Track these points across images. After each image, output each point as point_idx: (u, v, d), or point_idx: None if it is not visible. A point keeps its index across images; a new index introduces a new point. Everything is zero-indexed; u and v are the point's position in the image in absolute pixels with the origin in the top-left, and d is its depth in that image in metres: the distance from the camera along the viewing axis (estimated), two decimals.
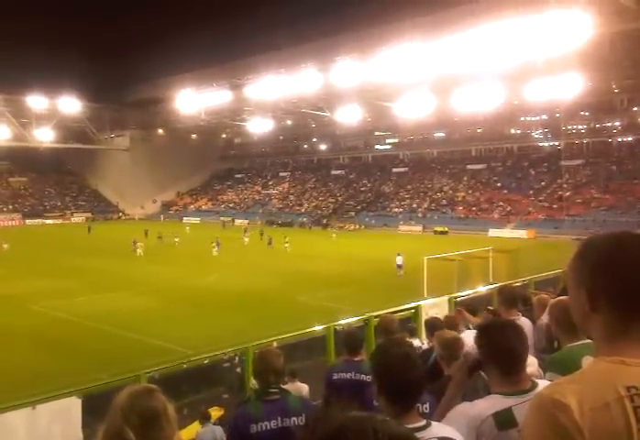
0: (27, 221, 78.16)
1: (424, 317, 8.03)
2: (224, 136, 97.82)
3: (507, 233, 52.27)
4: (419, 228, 59.64)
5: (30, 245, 47.63)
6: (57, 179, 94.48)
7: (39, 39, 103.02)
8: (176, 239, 42.61)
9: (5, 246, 42.32)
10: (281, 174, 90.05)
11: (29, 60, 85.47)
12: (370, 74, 49.99)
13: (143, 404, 1.80)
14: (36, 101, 76.51)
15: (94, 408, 5.11)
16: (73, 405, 5.74)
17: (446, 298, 10.11)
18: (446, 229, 55.93)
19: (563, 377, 1.34)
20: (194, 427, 6.49)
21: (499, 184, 65.38)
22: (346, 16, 56.70)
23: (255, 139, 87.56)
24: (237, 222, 72.88)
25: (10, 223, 75.97)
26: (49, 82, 75.56)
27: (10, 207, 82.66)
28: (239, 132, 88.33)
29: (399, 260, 29.05)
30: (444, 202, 65.61)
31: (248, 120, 73.71)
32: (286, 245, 40.44)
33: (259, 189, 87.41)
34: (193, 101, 69.00)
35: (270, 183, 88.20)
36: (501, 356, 2.43)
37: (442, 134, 77.58)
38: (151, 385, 1.94)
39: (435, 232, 56.16)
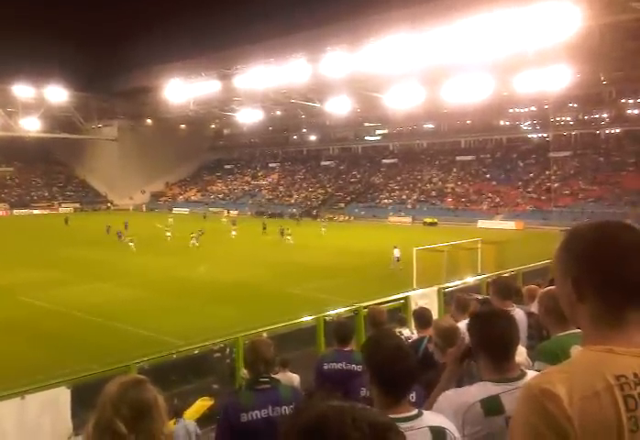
0: (14, 211, 77.44)
1: (413, 308, 8.07)
2: (213, 126, 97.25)
3: (496, 224, 52.61)
4: (408, 219, 59.83)
5: (17, 235, 47.24)
6: (44, 169, 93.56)
7: (25, 27, 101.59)
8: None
9: None
10: (270, 165, 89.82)
11: (15, 48, 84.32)
12: (360, 65, 49.85)
13: (133, 396, 1.78)
14: (22, 90, 75.56)
15: (84, 398, 5.11)
16: (62, 395, 5.73)
17: (435, 288, 10.17)
18: (436, 220, 56.18)
19: (552, 366, 1.35)
20: (184, 417, 6.51)
21: (488, 176, 65.66)
22: (335, 7, 56.34)
23: (244, 130, 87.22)
24: (226, 212, 72.65)
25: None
26: (36, 70, 74.58)
27: None
28: (229, 122, 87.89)
29: (396, 253, 28.50)
30: (433, 193, 65.84)
31: (237, 110, 73.31)
32: (288, 237, 40.29)
33: (249, 180, 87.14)
34: (181, 91, 68.49)
35: (260, 174, 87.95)
36: (491, 343, 2.45)
37: (431, 125, 77.65)
38: (140, 376, 1.94)
39: (425, 223, 56.37)
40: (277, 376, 6.69)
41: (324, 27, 52.95)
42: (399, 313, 8.85)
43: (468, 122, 73.34)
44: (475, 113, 66.78)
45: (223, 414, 3.72)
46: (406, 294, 9.50)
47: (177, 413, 6.72)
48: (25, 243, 41.53)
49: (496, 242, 27.62)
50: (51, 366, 13.57)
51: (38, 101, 78.46)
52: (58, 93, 78.08)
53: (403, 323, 7.46)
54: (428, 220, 56.75)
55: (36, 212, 78.22)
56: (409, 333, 6.76)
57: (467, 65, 44.69)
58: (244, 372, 4.53)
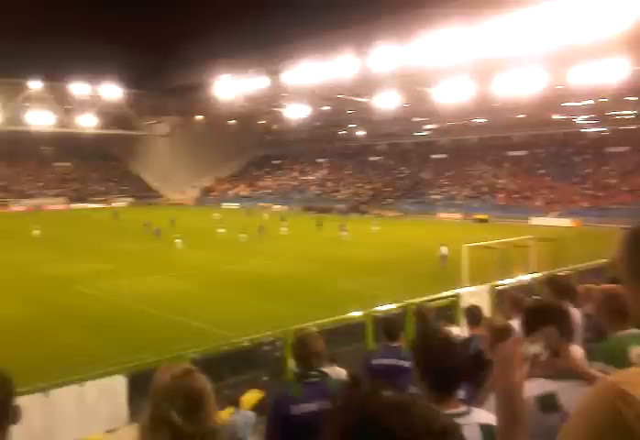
0: (72, 205, 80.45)
1: (463, 305, 7.96)
2: (261, 122, 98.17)
3: (550, 221, 51.06)
4: (459, 216, 58.87)
5: (76, 229, 49.07)
6: (100, 164, 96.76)
7: (82, 28, 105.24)
8: (221, 230, 42.38)
9: (37, 232, 41.79)
10: (318, 160, 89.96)
11: (72, 47, 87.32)
12: (409, 59, 49.29)
13: (187, 386, 1.79)
14: (79, 88, 78.33)
15: (139, 387, 5.29)
16: (119, 383, 5.94)
17: (486, 286, 9.99)
18: (487, 217, 55.04)
19: (608, 367, 1.27)
20: (227, 411, 6.62)
21: (541, 171, 63.80)
22: (384, 0, 55.88)
23: (292, 125, 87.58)
24: (275, 207, 73.39)
25: (56, 207, 78.30)
26: (92, 69, 77.19)
27: (56, 191, 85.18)
28: (277, 118, 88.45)
29: (443, 251, 27.84)
30: (484, 189, 64.51)
31: (285, 106, 73.80)
32: (344, 233, 39.92)
33: (297, 175, 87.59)
34: (231, 87, 69.51)
35: (308, 170, 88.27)
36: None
37: (482, 120, 76.00)
38: (190, 365, 1.94)
39: (475, 220, 55.31)
40: (325, 370, 6.73)
41: (372, 22, 52.56)
42: (448, 312, 8.76)
43: (520, 116, 71.37)
44: (528, 107, 64.95)
45: (273, 407, 3.75)
46: (456, 292, 9.38)
47: (235, 404, 6.85)
48: (82, 236, 43.14)
49: (551, 239, 26.83)
50: (107, 354, 14.07)
51: (94, 98, 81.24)
52: (113, 91, 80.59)
53: (452, 321, 7.38)
54: (479, 216, 55.67)
55: (92, 206, 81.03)
56: (458, 330, 6.69)
57: (520, 58, 43.52)
58: (293, 365, 4.58)
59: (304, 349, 3.73)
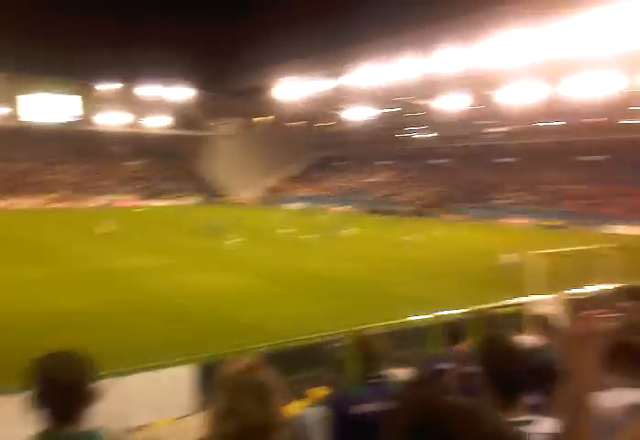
0: (142, 202, 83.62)
1: (531, 314, 7.74)
2: (323, 124, 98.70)
3: (628, 229, 48.51)
4: (525, 222, 57.09)
5: (144, 225, 50.93)
6: (169, 163, 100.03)
7: (154, 32, 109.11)
8: (284, 230, 42.25)
9: (106, 227, 42.60)
10: (380, 163, 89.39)
11: (145, 51, 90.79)
12: (476, 60, 48.32)
13: (256, 378, 1.84)
14: (150, 89, 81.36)
15: (207, 378, 5.45)
16: (189, 373, 6.15)
17: (555, 295, 9.66)
18: (557, 223, 53.08)
19: None
20: (298, 405, 6.71)
21: (618, 177, 60.85)
22: (450, 1, 54.97)
23: (354, 128, 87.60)
24: (337, 209, 73.52)
25: (126, 204, 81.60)
26: (163, 71, 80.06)
27: (127, 189, 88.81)
28: (339, 120, 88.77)
29: (508, 258, 26.77)
30: (553, 194, 62.24)
31: (347, 108, 73.94)
32: (407, 237, 38.91)
33: (358, 177, 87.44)
34: (294, 89, 70.36)
35: (370, 172, 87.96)
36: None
37: (553, 123, 73.34)
38: (257, 359, 1.97)
39: (545, 226, 53.48)
40: (394, 372, 6.71)
41: (437, 23, 51.79)
42: (513, 319, 8.53)
43: (595, 119, 68.39)
44: (602, 110, 62.19)
45: (333, 406, 3.78)
46: (524, 299, 9.12)
47: (307, 399, 6.95)
48: (149, 231, 44.75)
49: (629, 248, 25.47)
50: (173, 345, 14.52)
51: (165, 99, 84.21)
52: (182, 93, 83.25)
53: (518, 329, 7.18)
54: (549, 223, 53.81)
55: (161, 203, 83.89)
56: (526, 339, 6.50)
57: (593, 59, 41.79)
58: (355, 365, 4.58)
59: (365, 349, 3.75)
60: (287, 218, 50.26)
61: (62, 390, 1.80)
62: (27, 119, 77.80)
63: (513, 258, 26.50)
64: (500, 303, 8.95)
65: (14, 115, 77.06)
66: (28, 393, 1.80)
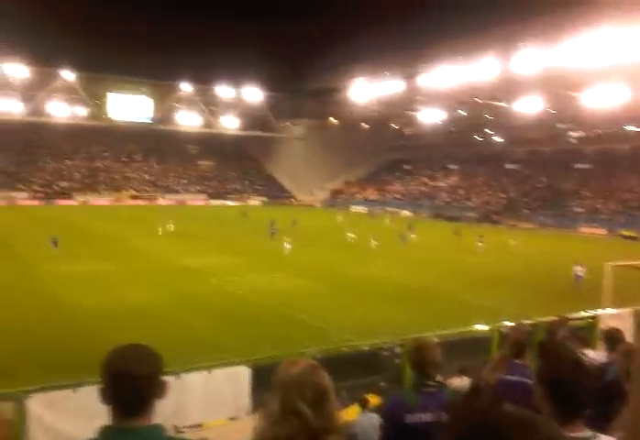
0: (211, 201, 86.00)
1: (602, 328, 7.32)
2: (394, 126, 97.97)
3: None
4: (603, 231, 54.49)
5: (211, 224, 52.26)
6: (238, 163, 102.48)
7: (229, 35, 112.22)
8: (350, 235, 40.62)
9: (172, 226, 43.12)
10: (450, 166, 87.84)
11: (220, 53, 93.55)
12: (556, 61, 46.47)
13: (315, 380, 1.84)
14: (223, 90, 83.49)
15: (261, 379, 5.49)
16: (243, 373, 6.21)
17: (630, 310, 9.10)
18: (636, 234, 50.34)
19: None
20: (352, 411, 6.66)
21: None
22: (533, 0, 53.13)
23: (425, 130, 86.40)
24: (403, 213, 73.00)
25: (197, 203, 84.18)
26: (236, 72, 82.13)
27: (198, 188, 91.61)
28: (410, 122, 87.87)
29: (579, 271, 24.94)
30: (633, 203, 58.99)
31: (419, 110, 73.11)
32: (479, 244, 36.77)
33: (427, 181, 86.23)
34: (366, 91, 70.19)
35: (439, 176, 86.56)
36: None
37: (636, 128, 69.51)
38: (314, 361, 1.97)
39: (623, 236, 50.85)
40: (454, 381, 6.54)
41: (518, 23, 50.21)
42: (582, 333, 8.11)
43: None
44: None
45: (387, 413, 3.73)
46: (595, 313, 8.65)
47: (363, 405, 6.93)
48: (215, 231, 45.88)
49: None
50: (231, 344, 14.79)
51: (237, 101, 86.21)
52: (254, 94, 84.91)
53: (585, 343, 6.82)
54: (626, 233, 51.12)
55: (229, 203, 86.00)
56: (594, 354, 6.16)
57: None
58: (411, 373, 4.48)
59: (421, 358, 3.66)
60: (353, 221, 50.01)
61: (131, 383, 1.84)
62: (107, 118, 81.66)
63: (580, 270, 25.09)
64: (569, 316, 8.52)
65: (95, 115, 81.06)
66: (100, 386, 1.83)
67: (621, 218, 56.44)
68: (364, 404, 6.89)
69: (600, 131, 72.51)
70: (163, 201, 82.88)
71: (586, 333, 8.24)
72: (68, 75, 75.85)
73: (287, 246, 33.22)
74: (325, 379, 1.88)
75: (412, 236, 42.54)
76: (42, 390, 5.48)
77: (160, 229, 42.17)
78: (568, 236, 51.39)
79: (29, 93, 74.45)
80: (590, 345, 7.17)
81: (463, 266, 30.87)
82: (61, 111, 78.40)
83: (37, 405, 5.39)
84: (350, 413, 6.57)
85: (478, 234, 39.80)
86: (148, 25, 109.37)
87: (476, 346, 8.63)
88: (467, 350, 8.20)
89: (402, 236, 40.92)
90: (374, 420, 6.45)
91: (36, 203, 73.91)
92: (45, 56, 72.80)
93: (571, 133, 77.02)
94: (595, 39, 42.54)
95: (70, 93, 78.02)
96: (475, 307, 20.23)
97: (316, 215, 62.89)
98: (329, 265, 30.29)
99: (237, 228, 47.99)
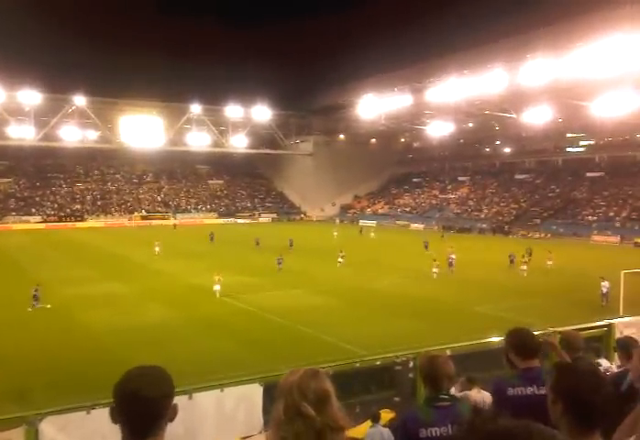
0: (221, 220, 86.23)
1: (617, 337, 7.20)
2: (402, 140, 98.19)
3: None
4: (616, 239, 53.91)
5: (223, 242, 52.38)
6: (248, 182, 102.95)
7: (235, 54, 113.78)
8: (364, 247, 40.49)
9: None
10: (459, 178, 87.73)
11: (228, 73, 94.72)
12: (564, 71, 46.41)
13: (316, 383, 1.86)
14: (232, 110, 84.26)
15: (273, 397, 5.42)
16: (256, 391, 6.17)
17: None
18: None
19: None
20: (364, 428, 6.60)
21: None
22: (539, 11, 53.33)
23: (434, 143, 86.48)
24: (414, 225, 72.82)
25: (208, 222, 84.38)
26: (244, 92, 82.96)
27: (208, 207, 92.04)
28: (418, 136, 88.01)
29: (604, 287, 23.39)
30: None
31: (427, 123, 73.17)
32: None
33: (437, 193, 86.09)
34: (373, 106, 70.38)
35: (449, 188, 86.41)
36: None
37: None
38: (315, 367, 1.99)
39: (636, 244, 50.28)
40: (471, 393, 6.44)
41: (525, 34, 50.27)
42: (595, 343, 7.98)
43: None
44: None
45: (401, 428, 3.68)
46: (610, 321, 8.52)
47: (374, 419, 6.87)
48: (224, 250, 45.92)
49: None
50: (243, 361, 14.75)
51: (246, 120, 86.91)
52: (262, 113, 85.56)
53: (600, 353, 6.71)
54: (639, 240, 50.56)
55: (239, 221, 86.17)
56: (608, 364, 6.06)
57: None
58: (422, 388, 4.45)
59: (434, 371, 3.62)
60: (364, 236, 49.86)
61: (142, 406, 1.85)
62: (119, 142, 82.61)
63: (606, 286, 23.47)
64: (582, 325, 8.40)
65: (107, 138, 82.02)
66: (111, 407, 1.85)
67: (634, 226, 55.85)
68: (376, 419, 6.82)
69: (610, 139, 72.13)
70: (174, 221, 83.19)
71: (601, 342, 8.11)
72: (79, 100, 77.04)
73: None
74: (326, 382, 1.90)
75: (427, 252, 40.99)
76: (56, 412, 5.48)
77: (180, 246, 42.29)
78: (582, 245, 50.90)
79: (42, 118, 75.56)
80: (605, 353, 7.06)
81: (476, 278, 30.60)
82: (73, 135, 79.46)
83: (50, 428, 5.37)
84: (362, 431, 6.51)
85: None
86: (160, 48, 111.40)
87: (490, 358, 8.51)
88: (481, 363, 8.09)
89: (413, 248, 40.27)
90: (385, 434, 6.38)
91: (48, 226, 74.64)
92: (57, 83, 74.40)
93: (581, 142, 76.68)
94: (603, 48, 42.48)
95: (82, 118, 79.11)
96: (492, 318, 20.03)
97: (329, 230, 62.66)
98: (342, 280, 30.16)
99: (250, 246, 47.92)
